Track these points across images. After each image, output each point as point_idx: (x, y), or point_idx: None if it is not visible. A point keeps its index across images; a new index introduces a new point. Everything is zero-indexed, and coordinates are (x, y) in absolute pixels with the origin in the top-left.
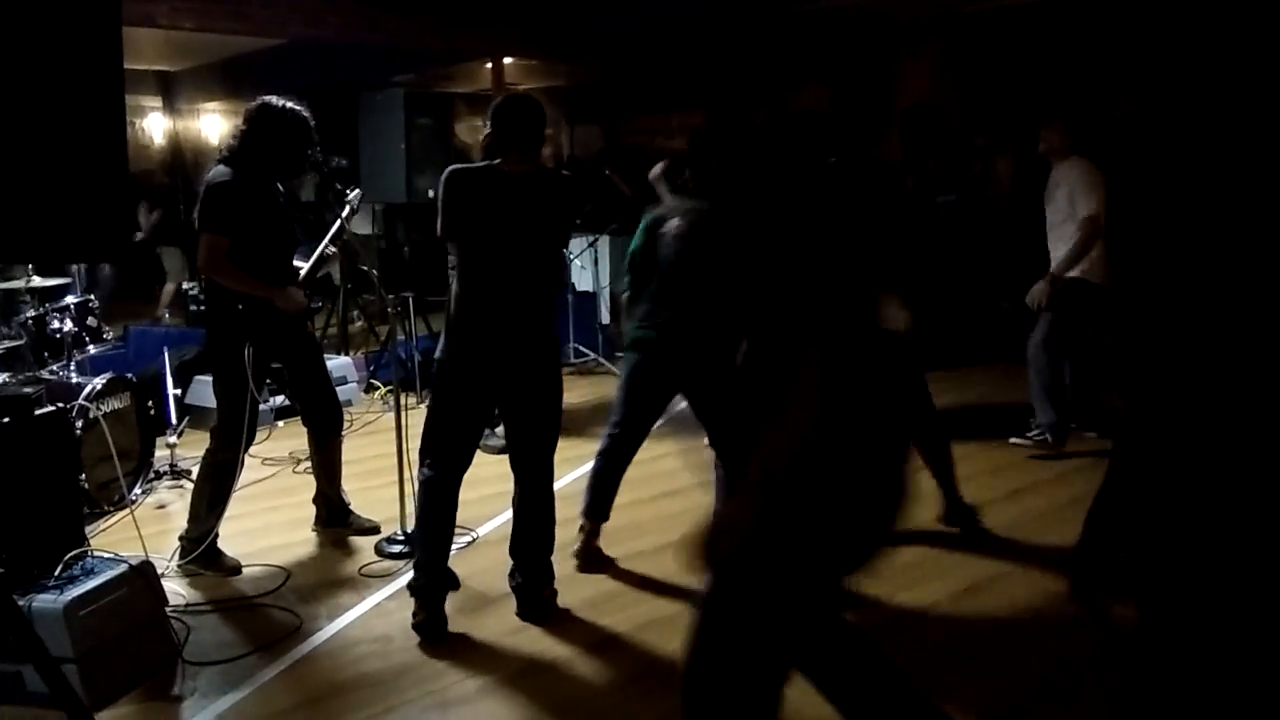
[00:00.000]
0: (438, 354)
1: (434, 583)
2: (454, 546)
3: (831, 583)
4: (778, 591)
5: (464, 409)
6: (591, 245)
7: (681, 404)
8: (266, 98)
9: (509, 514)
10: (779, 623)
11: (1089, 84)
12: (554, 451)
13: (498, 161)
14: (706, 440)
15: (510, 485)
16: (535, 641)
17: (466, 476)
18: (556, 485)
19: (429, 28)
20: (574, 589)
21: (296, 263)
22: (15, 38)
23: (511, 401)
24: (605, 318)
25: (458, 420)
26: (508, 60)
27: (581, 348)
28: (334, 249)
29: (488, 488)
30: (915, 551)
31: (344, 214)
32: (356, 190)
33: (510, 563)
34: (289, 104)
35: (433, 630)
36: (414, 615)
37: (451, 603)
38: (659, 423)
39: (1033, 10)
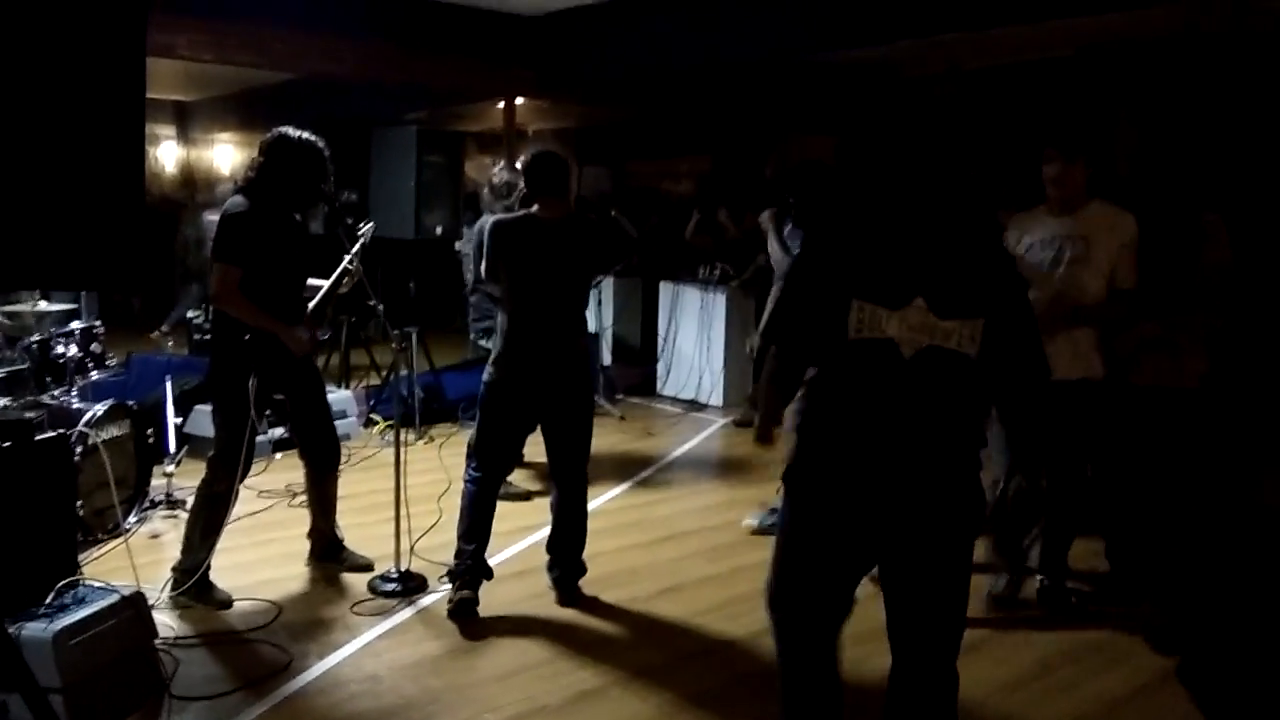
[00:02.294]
0: (485, 377)
1: (474, 568)
2: (446, 586)
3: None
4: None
5: (509, 423)
6: (595, 286)
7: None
8: (283, 129)
9: (506, 554)
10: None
11: (1092, 141)
12: (588, 461)
13: (534, 209)
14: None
15: (509, 526)
16: (526, 686)
17: None
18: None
19: (444, 67)
20: (565, 634)
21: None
22: (41, 66)
23: (553, 417)
24: (607, 359)
25: (504, 433)
26: (519, 101)
27: None
28: (345, 282)
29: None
30: None
31: (355, 248)
32: (369, 224)
33: (547, 558)
34: (305, 135)
35: (467, 610)
36: (449, 600)
37: (443, 643)
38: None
39: (1036, 67)
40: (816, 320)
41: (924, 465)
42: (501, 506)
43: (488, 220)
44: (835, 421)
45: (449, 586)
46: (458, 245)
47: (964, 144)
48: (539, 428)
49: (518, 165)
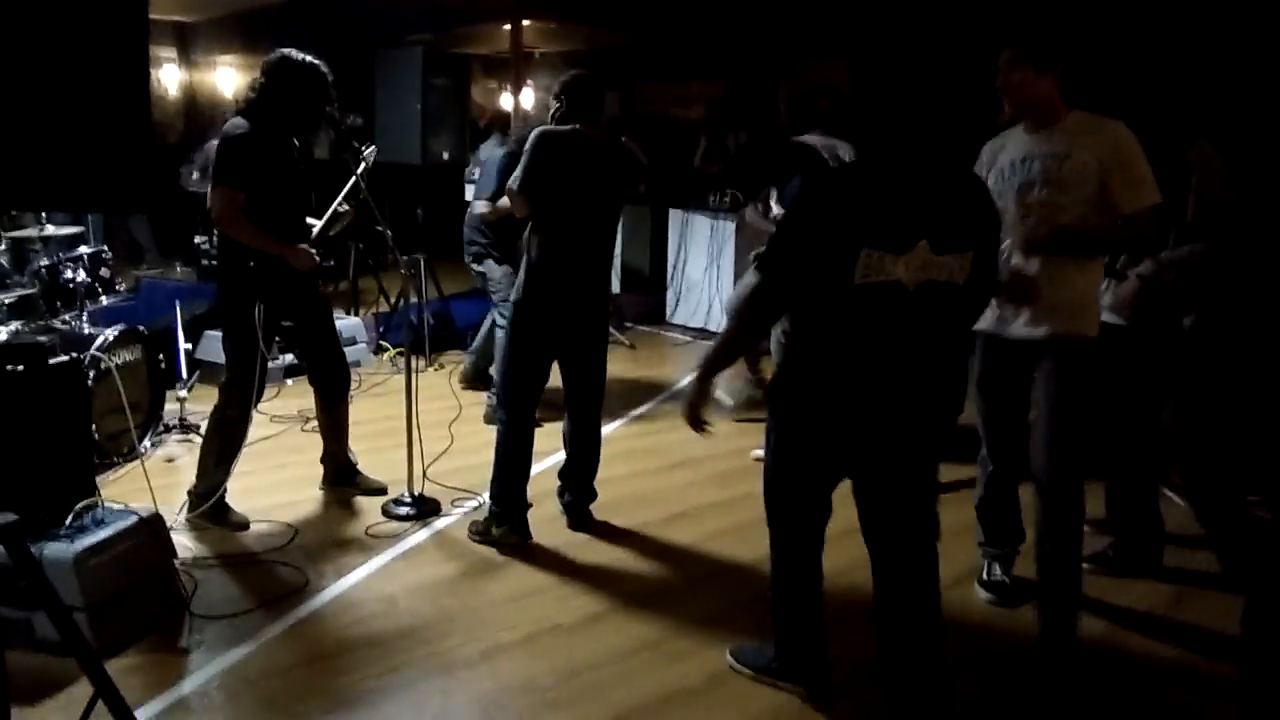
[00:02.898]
0: (515, 297)
1: (520, 506)
2: (460, 510)
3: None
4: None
5: (541, 349)
6: None
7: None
8: (285, 50)
9: None
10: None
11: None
12: (604, 390)
13: (578, 126)
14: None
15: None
16: (539, 608)
17: (474, 443)
18: (563, 456)
19: None
20: (577, 557)
21: (310, 220)
22: None
23: (577, 344)
24: (616, 286)
25: (537, 360)
26: (526, 22)
27: None
28: (347, 207)
29: (492, 453)
30: None
31: (359, 171)
32: (372, 147)
33: (559, 483)
34: (308, 58)
35: (524, 534)
36: (502, 538)
37: (457, 565)
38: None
39: None
40: (817, 266)
41: (922, 385)
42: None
43: (530, 133)
44: (838, 352)
45: (462, 510)
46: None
47: (968, 82)
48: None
49: (553, 87)
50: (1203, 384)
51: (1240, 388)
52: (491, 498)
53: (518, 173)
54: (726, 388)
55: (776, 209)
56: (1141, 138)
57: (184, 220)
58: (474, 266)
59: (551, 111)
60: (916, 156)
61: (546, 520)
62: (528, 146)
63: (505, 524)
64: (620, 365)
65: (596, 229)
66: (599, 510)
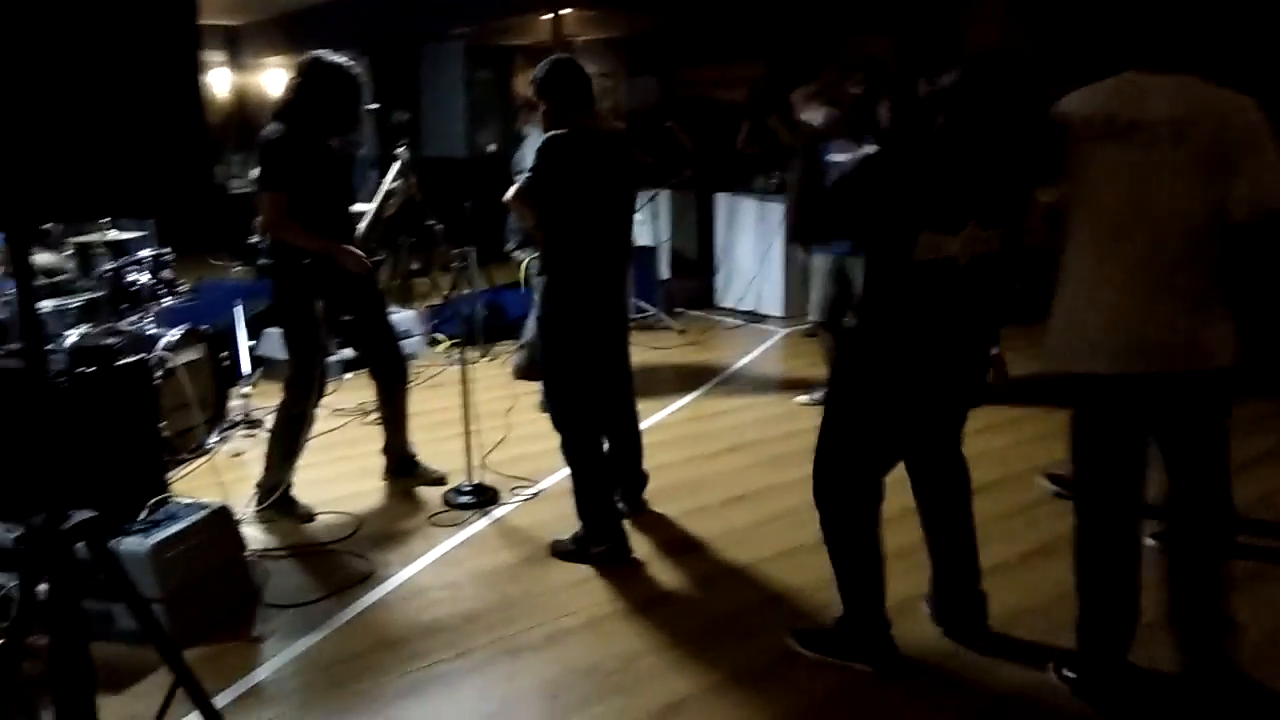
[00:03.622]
0: (539, 313)
1: (613, 521)
2: (519, 498)
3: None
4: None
5: (580, 357)
6: (652, 200)
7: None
8: (318, 52)
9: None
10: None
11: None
12: (632, 374)
13: (582, 124)
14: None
15: None
16: (599, 592)
17: (530, 431)
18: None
19: None
20: (635, 543)
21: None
22: None
23: (605, 343)
24: (665, 273)
25: (578, 369)
26: (566, 11)
27: (643, 303)
28: (391, 204)
29: (548, 442)
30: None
31: (392, 170)
32: (403, 147)
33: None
34: (340, 59)
35: (623, 549)
36: (603, 557)
37: (518, 552)
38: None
39: None
40: (869, 219)
41: (971, 350)
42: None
43: (536, 137)
44: (899, 324)
45: (521, 498)
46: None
47: (1028, 74)
48: None
49: (532, 78)
50: None
51: None
52: (580, 518)
53: (523, 181)
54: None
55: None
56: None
57: (232, 219)
58: (517, 254)
59: (541, 111)
60: (972, 140)
61: None
62: (536, 156)
63: (605, 542)
64: (670, 350)
65: (614, 230)
66: (654, 496)
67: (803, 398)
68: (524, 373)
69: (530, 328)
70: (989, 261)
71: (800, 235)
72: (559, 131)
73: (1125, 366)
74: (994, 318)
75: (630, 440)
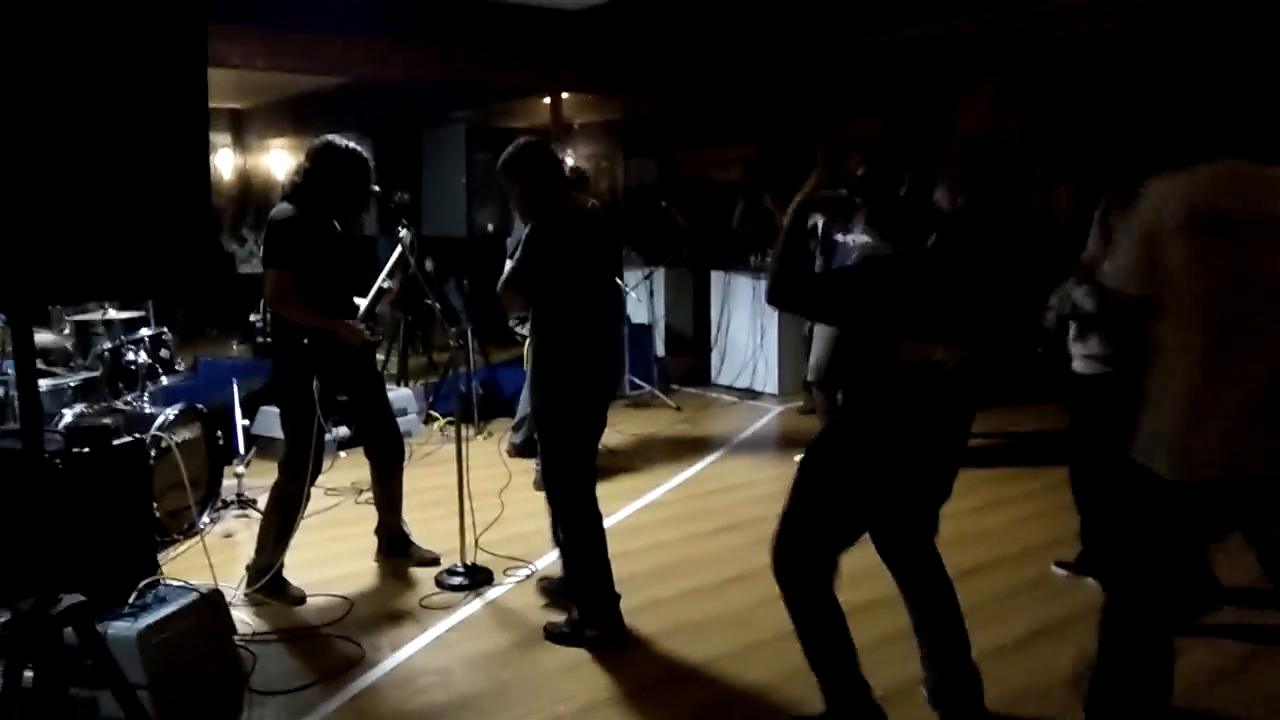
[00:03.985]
0: (536, 404)
1: (610, 605)
2: (513, 579)
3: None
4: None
5: (580, 444)
6: (647, 278)
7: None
8: (330, 137)
9: None
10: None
11: (1150, 114)
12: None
13: (572, 203)
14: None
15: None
16: (596, 676)
17: (524, 510)
18: (611, 521)
19: (489, 65)
20: (633, 625)
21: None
22: (103, 76)
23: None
24: (660, 350)
25: (579, 455)
26: (565, 96)
27: (637, 380)
28: (390, 283)
29: (543, 521)
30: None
31: (398, 251)
32: (407, 229)
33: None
34: (350, 144)
35: (619, 636)
36: (597, 641)
37: (511, 636)
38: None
39: (1092, 39)
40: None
41: (950, 447)
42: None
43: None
44: (879, 419)
45: (514, 580)
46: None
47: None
48: None
49: (500, 162)
50: None
51: None
52: (576, 604)
53: (510, 270)
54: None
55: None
56: None
57: (234, 299)
58: (519, 331)
59: (514, 195)
60: (966, 261)
61: None
62: (527, 238)
63: (600, 626)
64: (666, 427)
65: (606, 307)
66: (651, 576)
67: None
68: (519, 450)
69: (524, 404)
70: (970, 360)
71: (774, 298)
72: (550, 213)
73: (1237, 476)
74: (977, 403)
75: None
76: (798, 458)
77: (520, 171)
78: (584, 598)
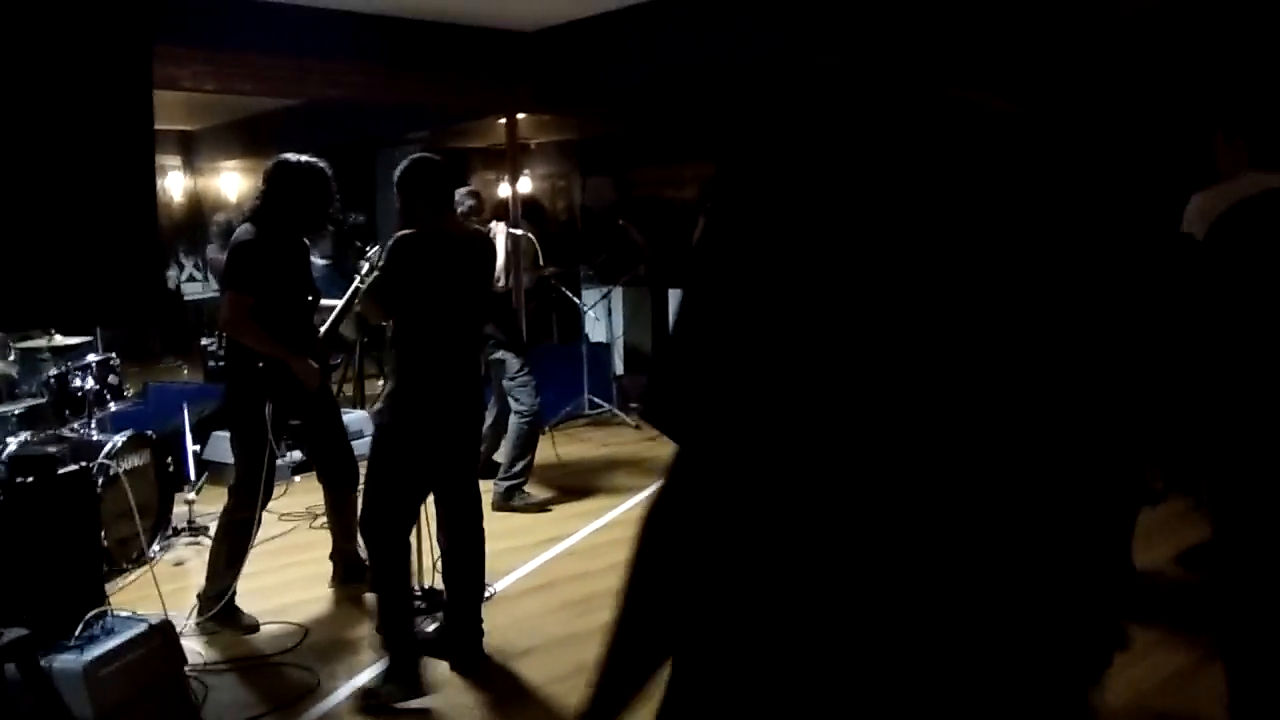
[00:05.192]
0: (379, 420)
1: (410, 654)
2: None
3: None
4: None
5: (412, 477)
6: (605, 297)
7: None
8: (284, 155)
9: (527, 568)
10: None
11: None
12: (482, 514)
13: (439, 225)
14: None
15: (527, 540)
16: (559, 698)
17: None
18: (571, 541)
19: (443, 86)
20: (593, 645)
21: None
22: (48, 107)
23: (449, 469)
24: (619, 368)
25: (408, 488)
26: (521, 116)
27: (596, 399)
28: (357, 303)
29: (503, 541)
30: None
31: (364, 271)
32: (375, 247)
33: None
34: (306, 159)
35: (415, 688)
36: (388, 697)
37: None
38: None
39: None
40: None
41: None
42: (519, 519)
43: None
44: None
45: None
46: None
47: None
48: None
49: (396, 175)
50: None
51: None
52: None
53: (372, 280)
54: None
55: None
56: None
57: (186, 322)
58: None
59: (400, 207)
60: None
61: (560, 607)
62: (386, 254)
63: (391, 680)
64: (625, 446)
65: (471, 337)
66: (611, 596)
67: None
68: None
69: (487, 425)
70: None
71: None
72: (406, 232)
73: None
74: None
75: (472, 590)
76: None
77: (401, 186)
78: (389, 639)
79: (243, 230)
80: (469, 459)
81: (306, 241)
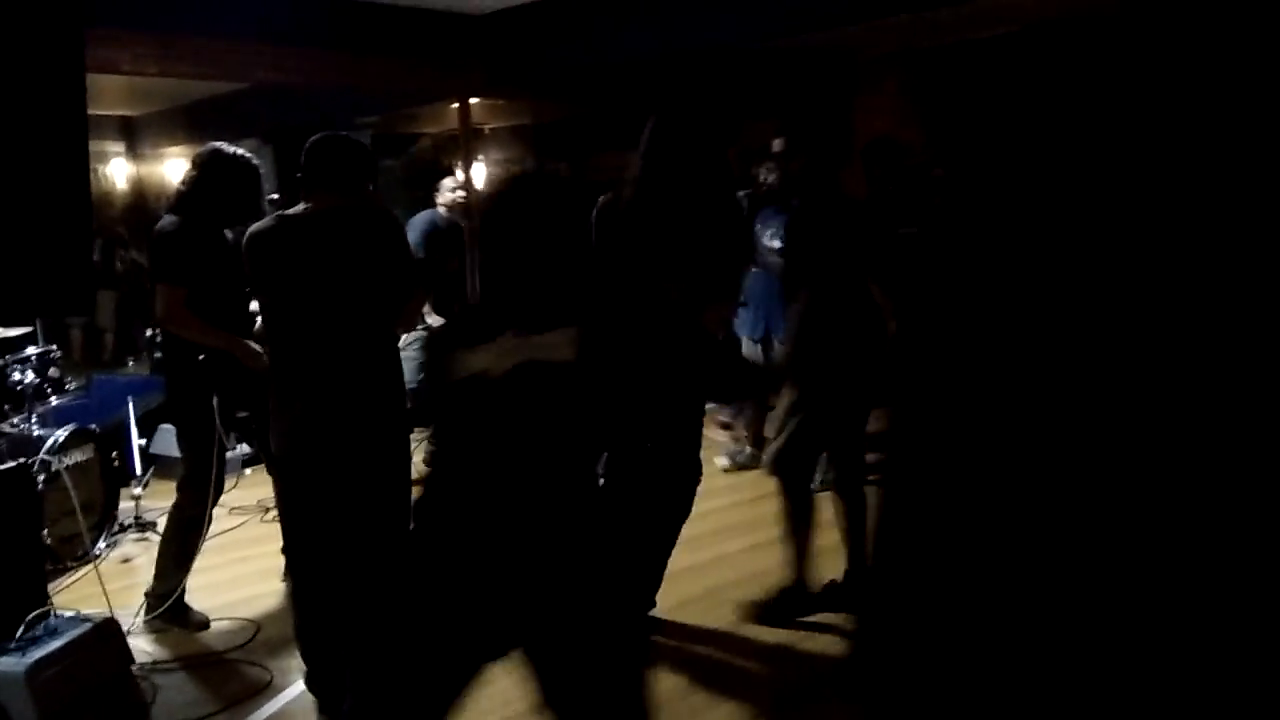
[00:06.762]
0: (281, 442)
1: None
2: None
3: None
4: None
5: (324, 503)
6: None
7: None
8: (217, 144)
9: None
10: None
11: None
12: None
13: (301, 208)
14: None
15: None
16: (513, 688)
17: None
18: None
19: (394, 70)
20: None
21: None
22: None
23: (365, 492)
24: None
25: (320, 516)
26: (474, 100)
27: None
28: None
29: None
30: None
31: None
32: None
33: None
34: (239, 151)
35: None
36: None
37: None
38: None
39: (991, 43)
40: None
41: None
42: None
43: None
44: None
45: None
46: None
47: None
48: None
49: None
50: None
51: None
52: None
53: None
54: (726, 449)
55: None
56: None
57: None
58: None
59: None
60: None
61: None
62: (246, 251)
63: (313, 686)
64: None
65: (355, 334)
66: None
67: (723, 461)
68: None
69: None
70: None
71: None
72: (257, 227)
73: None
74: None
75: None
76: (720, 461)
77: (305, 160)
78: (303, 649)
79: (166, 221)
80: (395, 482)
81: (228, 235)
